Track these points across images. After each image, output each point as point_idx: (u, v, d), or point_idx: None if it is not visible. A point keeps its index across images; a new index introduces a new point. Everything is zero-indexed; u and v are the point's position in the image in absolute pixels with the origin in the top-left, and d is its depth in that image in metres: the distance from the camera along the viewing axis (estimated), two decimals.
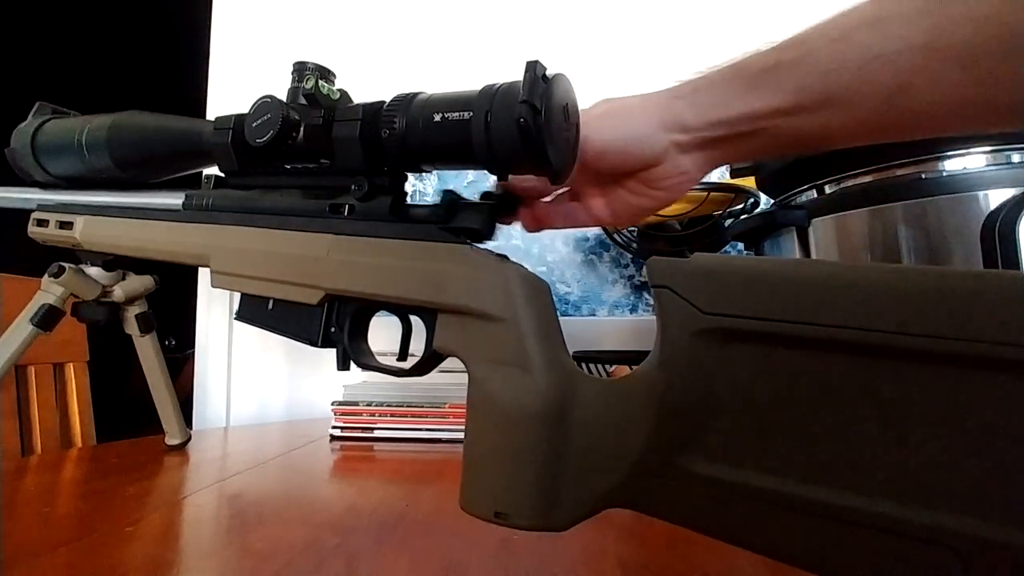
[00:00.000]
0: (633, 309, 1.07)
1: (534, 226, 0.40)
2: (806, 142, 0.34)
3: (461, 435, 0.31)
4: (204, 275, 1.13)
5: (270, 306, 0.39)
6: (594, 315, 1.07)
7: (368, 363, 0.37)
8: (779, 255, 0.70)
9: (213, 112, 1.16)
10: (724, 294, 0.24)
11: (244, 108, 0.40)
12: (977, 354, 0.20)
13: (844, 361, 0.22)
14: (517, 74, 0.30)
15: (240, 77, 1.18)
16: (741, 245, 0.87)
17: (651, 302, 1.05)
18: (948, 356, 0.20)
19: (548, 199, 0.40)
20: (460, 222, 0.34)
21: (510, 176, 0.35)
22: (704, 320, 0.24)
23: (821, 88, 0.31)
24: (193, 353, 1.14)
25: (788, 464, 0.23)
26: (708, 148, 0.36)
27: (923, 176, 0.57)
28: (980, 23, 0.27)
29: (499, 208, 0.36)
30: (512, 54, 0.39)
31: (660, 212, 0.49)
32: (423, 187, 1.11)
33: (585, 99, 0.35)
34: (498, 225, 0.36)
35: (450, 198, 0.36)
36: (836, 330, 0.22)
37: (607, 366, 0.89)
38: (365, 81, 0.54)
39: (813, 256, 0.65)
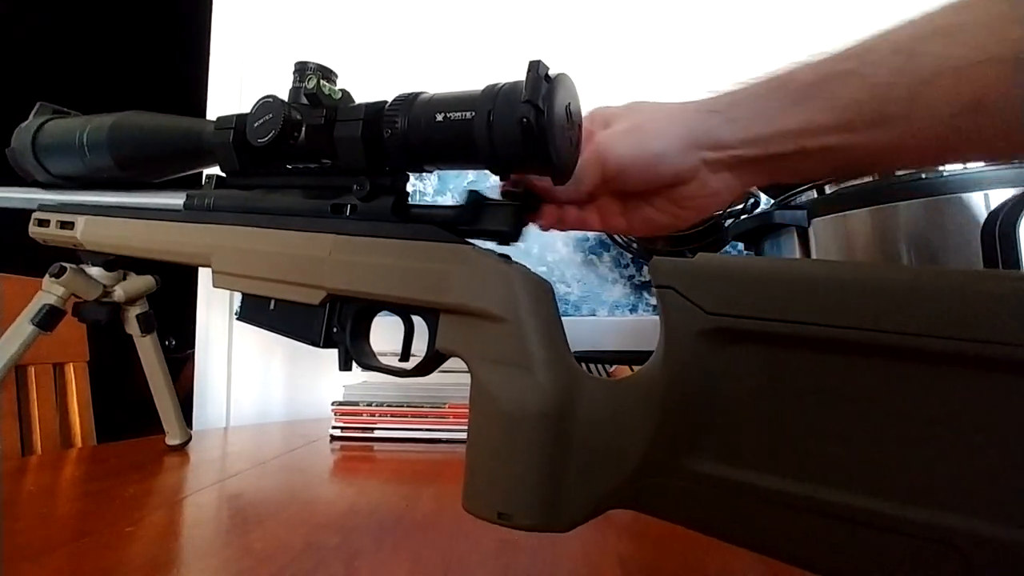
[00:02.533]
0: (633, 309, 1.07)
1: (548, 226, 0.38)
2: (853, 164, 0.30)
3: (461, 435, 0.31)
4: (204, 275, 1.13)
5: (272, 306, 0.39)
6: (594, 315, 1.07)
7: (370, 363, 0.37)
8: (779, 255, 0.70)
9: (213, 112, 1.16)
10: (728, 294, 0.24)
11: (244, 108, 0.40)
12: (978, 353, 0.20)
13: (847, 361, 0.22)
14: (519, 74, 0.30)
15: (240, 77, 1.18)
16: (741, 245, 0.87)
17: (651, 302, 1.05)
18: (950, 355, 0.20)
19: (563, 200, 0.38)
20: (486, 224, 0.33)
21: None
22: (708, 320, 0.24)
23: (877, 104, 0.28)
24: (193, 353, 1.14)
25: (791, 464, 0.23)
26: (743, 168, 0.33)
27: (923, 176, 0.57)
28: None
29: (524, 208, 0.34)
30: (514, 54, 0.39)
31: None
32: (423, 187, 1.11)
33: (587, 100, 0.35)
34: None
35: (475, 198, 0.34)
36: (839, 330, 0.22)
37: (607, 366, 0.89)
38: (367, 81, 0.54)
39: (813, 256, 0.65)
